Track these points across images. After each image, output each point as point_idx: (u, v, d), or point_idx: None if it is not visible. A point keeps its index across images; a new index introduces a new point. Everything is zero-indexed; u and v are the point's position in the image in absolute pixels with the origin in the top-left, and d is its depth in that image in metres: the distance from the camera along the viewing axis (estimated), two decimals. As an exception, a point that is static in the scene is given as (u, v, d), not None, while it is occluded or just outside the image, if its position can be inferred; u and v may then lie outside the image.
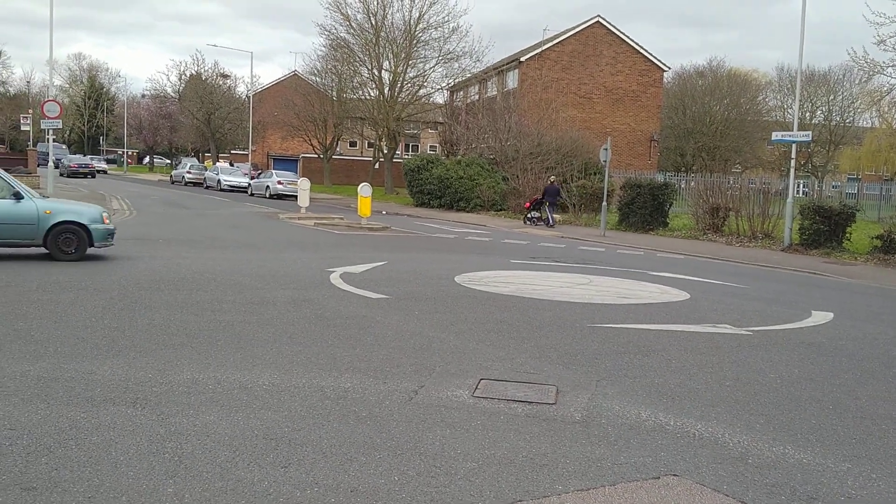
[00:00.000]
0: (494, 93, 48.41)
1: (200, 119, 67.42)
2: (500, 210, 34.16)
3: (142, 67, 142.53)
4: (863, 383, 6.74)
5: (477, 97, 50.51)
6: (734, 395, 6.06)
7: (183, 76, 76.74)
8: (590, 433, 4.96)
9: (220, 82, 71.47)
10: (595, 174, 32.88)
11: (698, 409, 5.64)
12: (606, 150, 25.82)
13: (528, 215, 29.22)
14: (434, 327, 8.09)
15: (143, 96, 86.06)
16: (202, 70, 72.35)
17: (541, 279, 12.77)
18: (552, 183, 29.89)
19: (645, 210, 27.11)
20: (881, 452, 4.92)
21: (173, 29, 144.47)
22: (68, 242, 12.45)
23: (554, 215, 29.00)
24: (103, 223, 12.77)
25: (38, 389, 5.22)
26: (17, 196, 12.31)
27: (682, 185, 34.57)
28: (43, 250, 12.53)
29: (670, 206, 27.76)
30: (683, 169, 58.31)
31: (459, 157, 38.76)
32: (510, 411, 5.32)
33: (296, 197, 29.67)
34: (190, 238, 17.51)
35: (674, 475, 4.34)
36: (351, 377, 5.95)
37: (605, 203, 26.53)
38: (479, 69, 46.71)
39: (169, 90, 78.65)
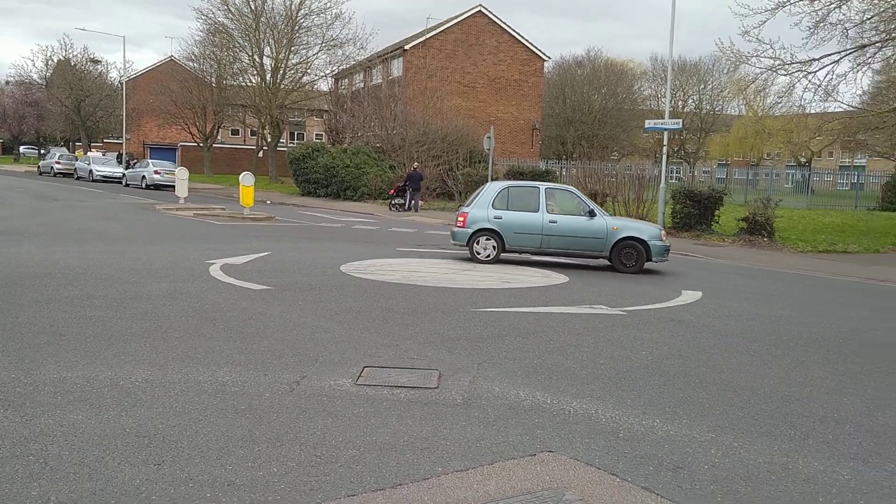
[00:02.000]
0: (379, 81, 48.24)
1: (70, 107, 64.02)
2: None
3: (4, 52, 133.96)
4: (727, 357, 7.14)
5: (362, 85, 50.23)
6: (608, 373, 6.30)
7: (50, 62, 72.59)
8: (470, 415, 5.05)
9: (91, 68, 68.09)
10: (480, 162, 33.31)
11: (574, 387, 5.83)
12: (490, 138, 26.23)
13: (393, 202, 29.55)
14: (318, 317, 8.02)
15: (7, 83, 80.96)
16: (71, 55, 68.70)
17: (426, 266, 12.86)
18: (415, 169, 30.35)
19: (528, 197, 27.65)
20: (742, 422, 5.23)
21: (39, 12, 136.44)
22: (629, 257, 13.59)
23: (418, 201, 29.44)
24: (661, 240, 13.70)
25: None
26: (591, 214, 13.78)
27: (563, 172, 35.52)
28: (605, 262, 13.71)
29: (552, 192, 28.43)
30: (564, 156, 59.98)
31: (345, 145, 38.46)
32: (393, 397, 5.35)
33: (174, 187, 28.69)
34: (59, 231, 16.66)
35: (549, 451, 4.48)
36: (230, 370, 5.83)
37: (489, 190, 26.90)
38: (363, 57, 46.43)
39: (35, 76, 74.27)
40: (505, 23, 49.59)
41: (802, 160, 64.84)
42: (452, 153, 34.27)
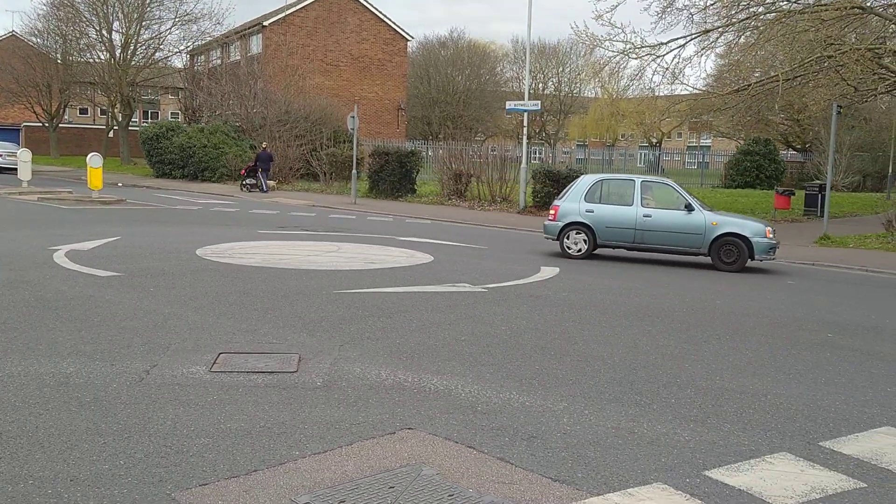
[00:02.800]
0: (238, 58, 46.73)
1: None
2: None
3: None
4: (580, 329, 7.42)
5: (220, 62, 48.53)
6: (468, 349, 6.41)
7: None
8: (330, 397, 5.01)
9: (-84, 40, 62.31)
10: (345, 142, 32.98)
11: (435, 364, 5.90)
12: (354, 117, 26.00)
13: (244, 182, 29.48)
14: (171, 304, 7.72)
15: None
16: None
17: (288, 249, 12.63)
18: (264, 149, 30.24)
19: (394, 177, 27.68)
20: (593, 390, 5.45)
21: None
22: (729, 254, 12.93)
23: (268, 181, 29.48)
24: (766, 237, 12.88)
25: None
26: (689, 208, 13.11)
27: (430, 153, 35.75)
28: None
29: (417, 172, 28.59)
30: (430, 137, 60.30)
31: (202, 124, 37.07)
32: (249, 383, 5.23)
33: (16, 170, 26.80)
34: None
35: (409, 429, 4.52)
36: (74, 361, 5.52)
37: (354, 171, 26.76)
38: (220, 32, 44.90)
39: None
40: (367, 0, 49.16)
41: (654, 141, 68.08)
42: (316, 133, 33.74)
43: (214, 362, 5.66)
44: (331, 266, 10.81)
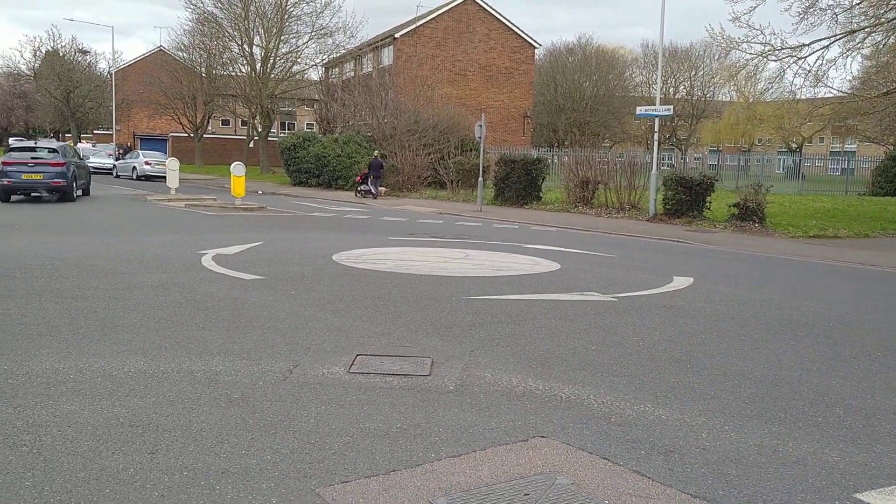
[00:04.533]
0: (370, 69, 48.08)
1: (59, 98, 63.72)
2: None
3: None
4: (717, 342, 7.18)
5: (352, 74, 50.08)
6: (599, 359, 6.34)
7: (38, 52, 72.14)
8: (462, 401, 5.08)
9: (80, 58, 67.66)
10: (471, 150, 33.29)
11: (566, 373, 5.87)
12: (481, 126, 26.20)
13: (359, 188, 31.37)
14: (310, 306, 8.03)
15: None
16: (59, 46, 68.25)
17: (418, 255, 12.87)
18: (375, 157, 31.68)
19: (519, 185, 27.69)
20: (733, 406, 5.26)
21: (26, 2, 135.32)
22: None
23: (379, 188, 31.19)
24: None
25: None
26: None
27: (555, 160, 35.54)
28: None
29: (543, 180, 28.47)
30: (556, 144, 59.93)
31: (336, 134, 38.34)
32: (385, 385, 5.37)
33: (165, 178, 28.58)
34: (49, 223, 16.60)
35: (541, 437, 4.51)
36: (222, 360, 5.84)
37: (480, 179, 26.94)
38: (353, 45, 46.32)
39: (23, 67, 73.80)
40: (495, 10, 49.49)
41: (793, 146, 65.02)
42: (444, 141, 34.25)
43: (352, 363, 5.85)
44: (459, 272, 10.93)
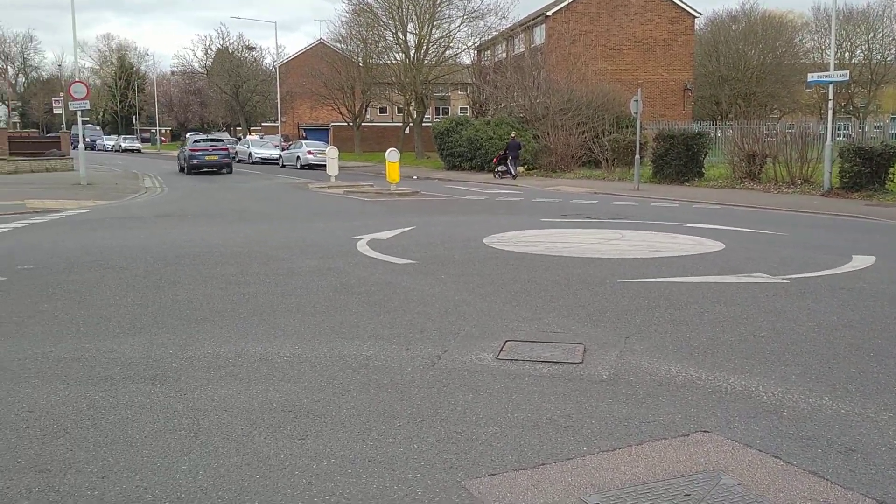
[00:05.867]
0: (522, 50, 47.68)
1: (229, 93, 67.66)
2: (532, 169, 33.77)
3: (169, 44, 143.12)
4: (906, 328, 6.47)
5: (504, 55, 49.85)
6: (769, 347, 5.84)
7: (209, 51, 76.94)
8: (617, 392, 4.81)
9: (246, 55, 71.49)
10: (627, 127, 32.29)
11: (731, 362, 5.44)
12: (637, 101, 25.32)
13: (497, 169, 31.52)
14: (460, 291, 7.96)
15: (172, 73, 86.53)
16: (227, 43, 72.45)
17: (571, 237, 12.55)
18: (513, 138, 31.63)
19: (679, 161, 26.57)
20: (925, 400, 4.68)
21: (197, 3, 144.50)
22: None
23: (517, 168, 31.31)
24: None
25: (59, 370, 5.21)
26: None
27: (718, 134, 33.84)
28: None
29: (705, 155, 27.18)
30: (719, 117, 57.05)
31: (489, 117, 38.33)
32: (535, 372, 5.18)
33: (325, 166, 29.64)
34: (218, 212, 17.57)
35: (704, 431, 4.18)
36: (373, 345, 5.85)
37: (637, 156, 26.06)
38: (505, 26, 46.08)
39: (196, 66, 78.97)
40: (651, -20, 47.62)
41: None
42: (598, 119, 33.44)
43: (501, 349, 5.70)
44: (614, 254, 10.53)
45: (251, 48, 72.24)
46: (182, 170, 36.29)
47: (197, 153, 35.05)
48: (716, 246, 11.35)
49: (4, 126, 75.94)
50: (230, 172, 35.60)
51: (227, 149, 37.35)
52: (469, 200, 21.35)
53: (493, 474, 3.65)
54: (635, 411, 4.47)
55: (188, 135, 47.26)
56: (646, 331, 6.30)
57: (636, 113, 25.41)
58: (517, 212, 17.42)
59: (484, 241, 11.76)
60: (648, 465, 3.76)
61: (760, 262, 9.80)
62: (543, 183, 28.60)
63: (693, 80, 50.47)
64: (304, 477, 3.61)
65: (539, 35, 47.19)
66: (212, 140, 38.78)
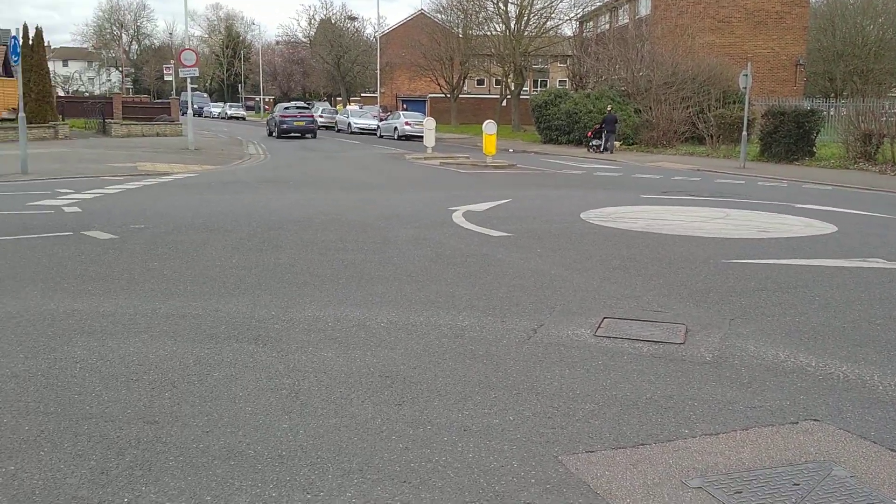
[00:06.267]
0: (626, 21, 46.44)
1: (331, 63, 68.61)
2: (632, 144, 33.00)
3: (274, 14, 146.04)
4: None
5: (607, 27, 48.71)
6: (886, 335, 5.53)
7: (313, 21, 78.10)
8: (721, 375, 4.64)
9: (348, 25, 72.26)
10: (734, 103, 31.12)
11: (844, 349, 5.18)
12: (746, 75, 24.34)
13: (591, 143, 31.09)
14: (556, 265, 7.85)
15: (277, 43, 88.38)
16: (331, 14, 73.36)
17: (672, 214, 12.21)
18: (609, 112, 30.95)
19: (789, 139, 25.44)
20: None
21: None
22: None
23: (614, 142, 30.69)
24: None
25: (167, 326, 5.41)
26: None
27: (831, 112, 32.22)
28: None
29: (817, 134, 25.92)
30: (832, 94, 54.28)
31: (589, 90, 37.60)
32: (634, 351, 5.06)
33: (422, 137, 29.75)
34: (318, 179, 17.89)
35: (814, 420, 3.99)
36: (469, 315, 5.84)
37: (744, 133, 25.08)
38: (609, -3, 44.89)
39: (300, 35, 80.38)
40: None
41: None
42: (703, 94, 32.31)
43: (598, 326, 5.59)
44: (718, 233, 10.18)
45: (353, 18, 73.18)
46: (270, 133, 40.85)
47: (287, 119, 39.46)
48: (827, 228, 10.83)
49: (118, 91, 79.43)
50: (314, 137, 39.67)
51: (312, 115, 41.66)
52: (566, 174, 21.05)
53: (591, 451, 3.58)
54: (740, 395, 4.31)
55: (277, 105, 50.81)
56: (752, 313, 6.06)
57: (745, 88, 24.44)
58: (616, 187, 17.06)
59: (581, 216, 11.56)
60: (754, 452, 3.61)
61: (876, 247, 9.30)
62: (643, 158, 27.91)
63: (805, 56, 48.11)
64: (401, 442, 3.63)
65: (644, 6, 45.83)
66: (298, 108, 42.93)
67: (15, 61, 18.38)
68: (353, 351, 4.96)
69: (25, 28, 29.98)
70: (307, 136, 39.20)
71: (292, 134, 39.32)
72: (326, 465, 3.38)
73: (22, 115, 18.29)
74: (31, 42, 30.48)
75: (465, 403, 4.12)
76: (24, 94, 19.61)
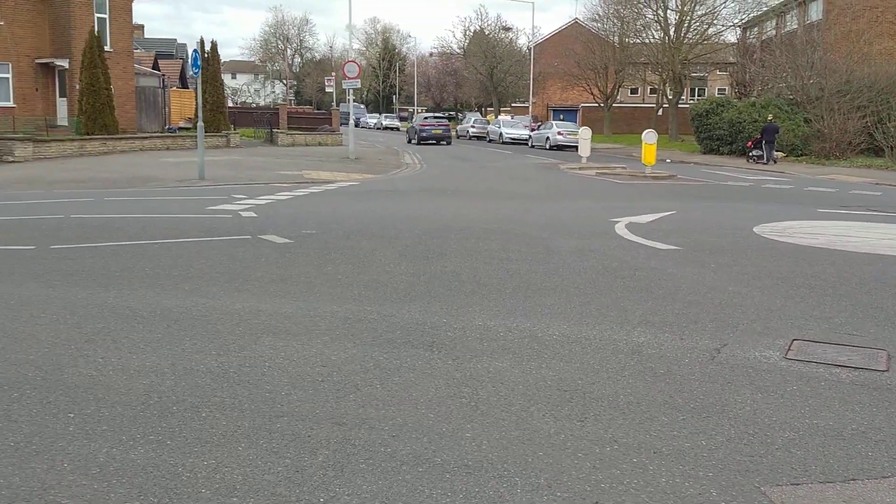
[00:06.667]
0: (794, 26, 44.05)
1: (484, 73, 69.19)
2: (801, 155, 31.21)
3: (429, 27, 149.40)
4: None
5: (773, 32, 46.37)
6: None
7: (467, 32, 79.12)
8: (935, 408, 4.22)
9: (502, 36, 72.69)
10: (918, 112, 28.80)
11: None
12: (934, 82, 22.44)
13: (751, 154, 29.82)
14: (733, 281, 7.46)
15: (431, 55, 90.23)
16: (485, 25, 74.03)
17: (856, 230, 11.38)
18: (770, 121, 29.38)
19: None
20: None
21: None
22: None
23: (775, 153, 29.12)
24: None
25: (345, 329, 5.53)
26: None
27: None
28: None
29: None
30: None
31: (753, 98, 35.91)
32: (831, 377, 4.69)
33: (575, 148, 29.46)
34: (475, 189, 18.02)
35: None
36: (644, 331, 5.62)
37: (931, 144, 23.14)
38: (776, 1, 42.79)
39: (455, 47, 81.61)
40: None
41: None
42: (882, 103, 30.07)
43: (788, 348, 5.23)
44: (911, 253, 9.38)
45: (507, 29, 73.43)
46: (410, 140, 45.43)
47: (426, 127, 44.62)
48: None
49: (283, 102, 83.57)
50: (449, 144, 43.85)
51: (447, 125, 46.20)
52: (731, 186, 20.15)
53: (797, 484, 3.32)
54: (962, 433, 3.89)
55: (416, 115, 56.75)
56: (963, 341, 5.50)
57: (932, 95, 22.55)
58: (788, 200, 16.14)
59: (754, 230, 10.99)
60: None
61: None
62: (814, 170, 26.31)
63: None
64: (588, 460, 3.51)
65: (816, 10, 43.28)
66: (436, 118, 48.56)
67: (196, 73, 19.62)
68: (527, 362, 4.89)
69: (202, 42, 32.09)
70: (442, 142, 43.59)
71: (429, 141, 43.51)
72: (514, 479, 3.31)
73: (201, 124, 19.54)
74: (206, 55, 32.55)
75: (652, 424, 3.94)
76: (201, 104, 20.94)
